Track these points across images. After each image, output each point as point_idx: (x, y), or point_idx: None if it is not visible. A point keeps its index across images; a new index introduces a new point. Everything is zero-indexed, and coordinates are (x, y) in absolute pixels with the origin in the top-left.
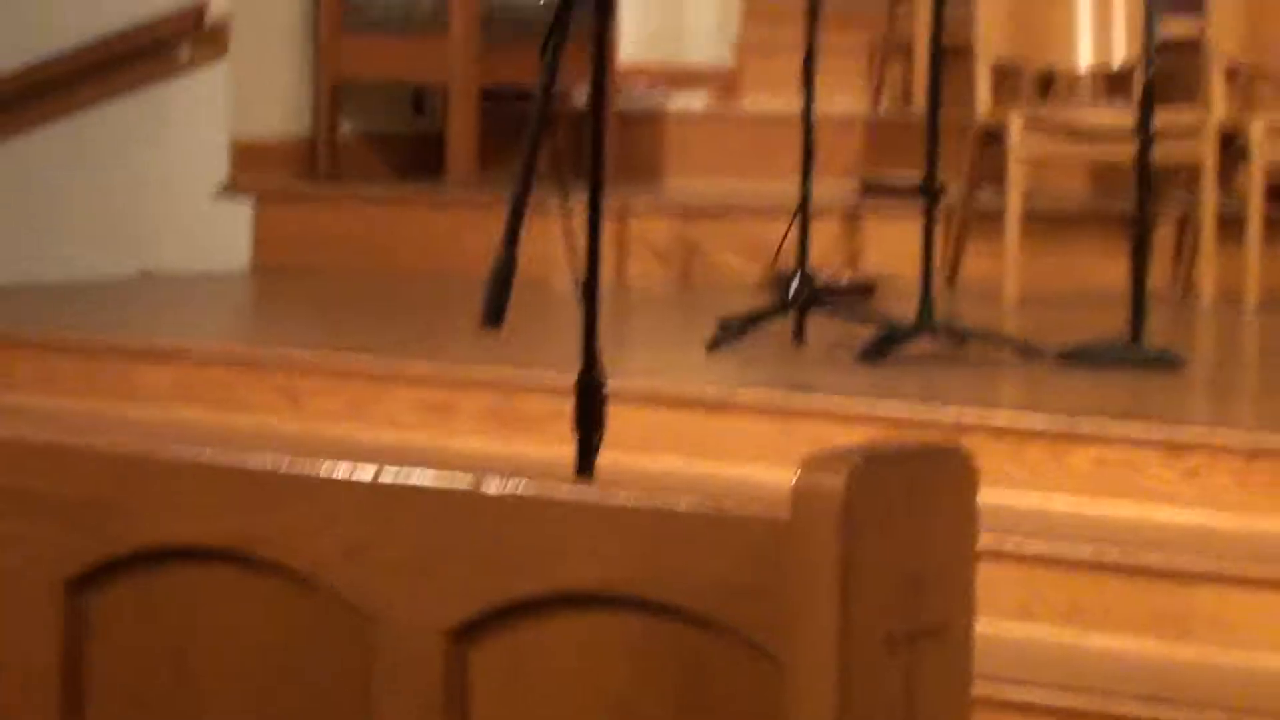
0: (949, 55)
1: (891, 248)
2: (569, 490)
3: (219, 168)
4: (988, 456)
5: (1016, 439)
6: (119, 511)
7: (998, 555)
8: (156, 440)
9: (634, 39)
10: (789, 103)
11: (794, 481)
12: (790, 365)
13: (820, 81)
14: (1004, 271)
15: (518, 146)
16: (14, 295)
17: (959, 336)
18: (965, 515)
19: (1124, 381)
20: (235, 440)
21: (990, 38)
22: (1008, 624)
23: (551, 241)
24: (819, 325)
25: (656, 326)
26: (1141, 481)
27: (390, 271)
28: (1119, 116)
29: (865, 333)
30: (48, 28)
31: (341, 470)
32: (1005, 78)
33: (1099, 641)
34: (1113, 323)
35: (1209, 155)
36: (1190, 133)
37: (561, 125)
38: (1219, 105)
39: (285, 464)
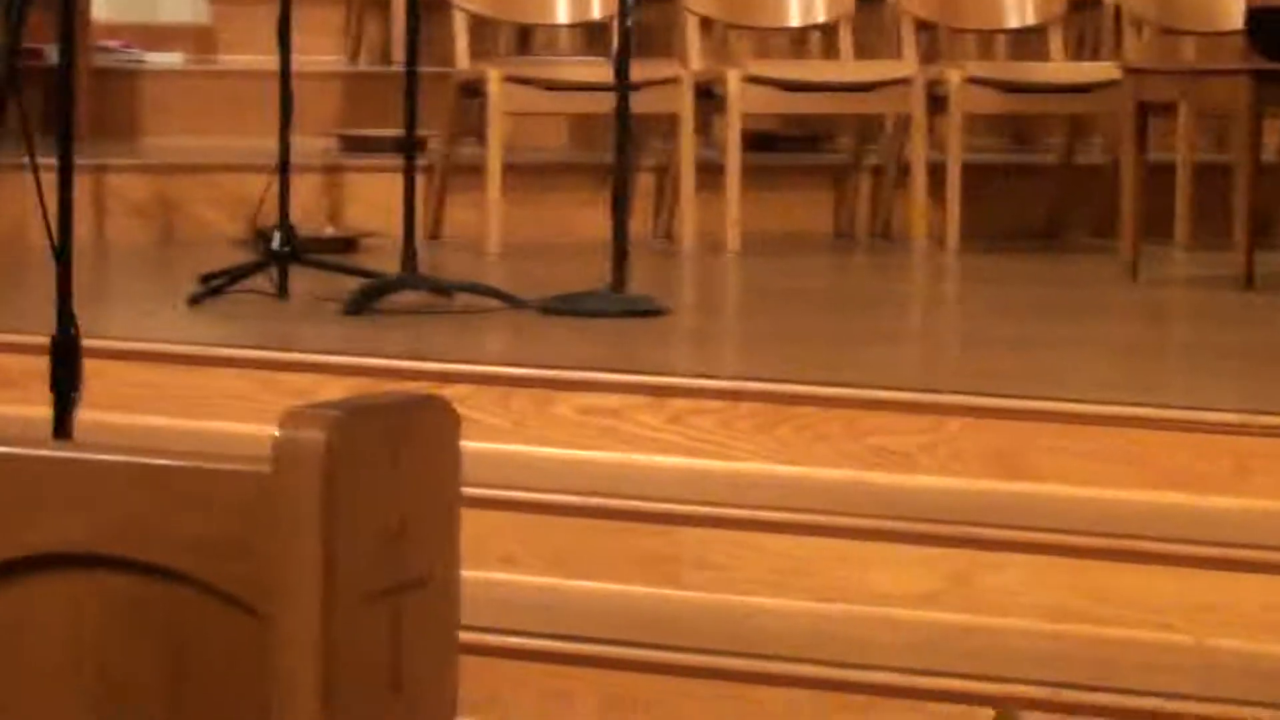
0: (427, 9)
1: (374, 202)
2: (44, 448)
3: None
4: (473, 406)
5: (502, 388)
6: None
7: (484, 504)
8: None
9: None
10: (266, 59)
11: (275, 435)
12: (274, 320)
13: (297, 38)
14: (486, 223)
15: None
16: None
17: (443, 288)
18: (448, 465)
19: (608, 330)
20: None
21: None
22: (495, 572)
23: (26, 200)
24: (302, 280)
25: (137, 284)
26: (626, 428)
27: None
28: (597, 69)
29: (349, 286)
30: None
31: None
32: (484, 31)
33: (587, 586)
34: (596, 272)
35: (686, 106)
36: (668, 84)
37: (34, 84)
38: (695, 58)
39: None
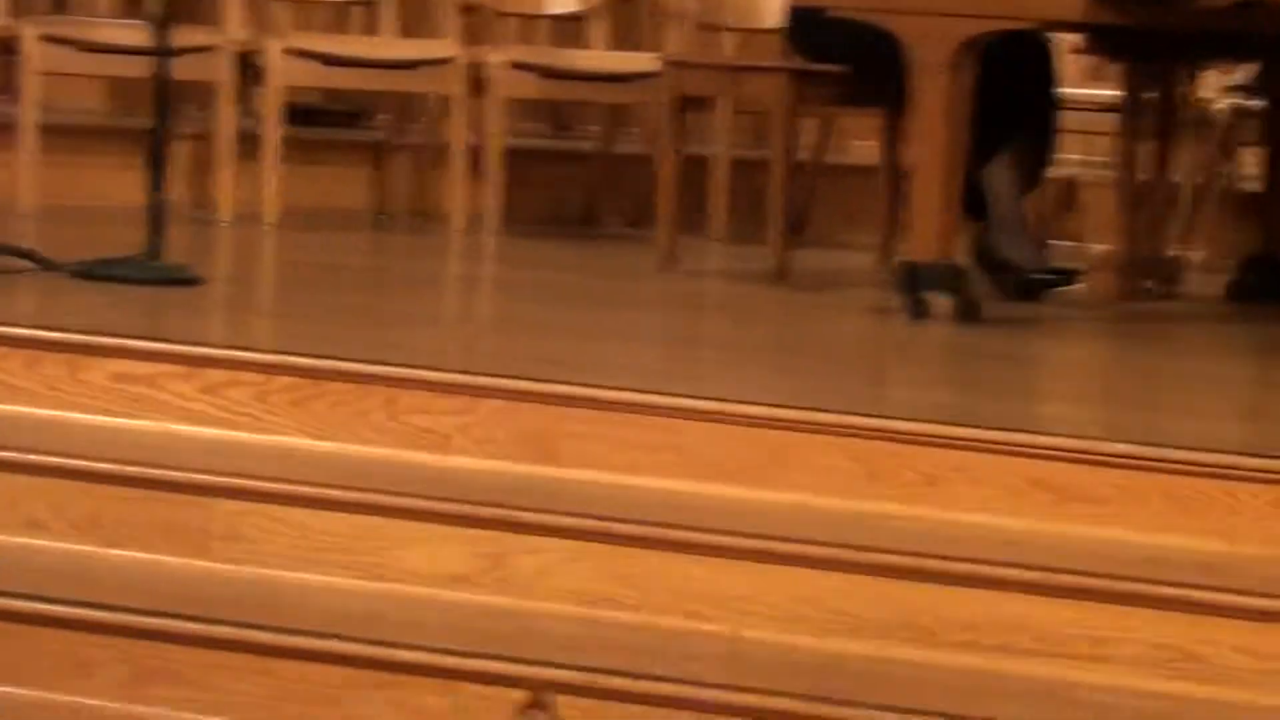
0: None
1: None
2: None
3: None
4: (2, 370)
5: (32, 354)
6: None
7: (12, 467)
8: None
9: None
10: None
11: None
12: None
13: None
14: (19, 184)
15: None
16: None
17: None
18: None
19: (143, 298)
20: None
21: None
22: (21, 537)
23: None
24: None
25: None
26: (160, 397)
27: None
28: (136, 32)
29: None
30: None
31: None
32: None
33: (116, 555)
34: (132, 239)
35: (226, 76)
36: (207, 52)
37: None
38: (236, 27)
39: None
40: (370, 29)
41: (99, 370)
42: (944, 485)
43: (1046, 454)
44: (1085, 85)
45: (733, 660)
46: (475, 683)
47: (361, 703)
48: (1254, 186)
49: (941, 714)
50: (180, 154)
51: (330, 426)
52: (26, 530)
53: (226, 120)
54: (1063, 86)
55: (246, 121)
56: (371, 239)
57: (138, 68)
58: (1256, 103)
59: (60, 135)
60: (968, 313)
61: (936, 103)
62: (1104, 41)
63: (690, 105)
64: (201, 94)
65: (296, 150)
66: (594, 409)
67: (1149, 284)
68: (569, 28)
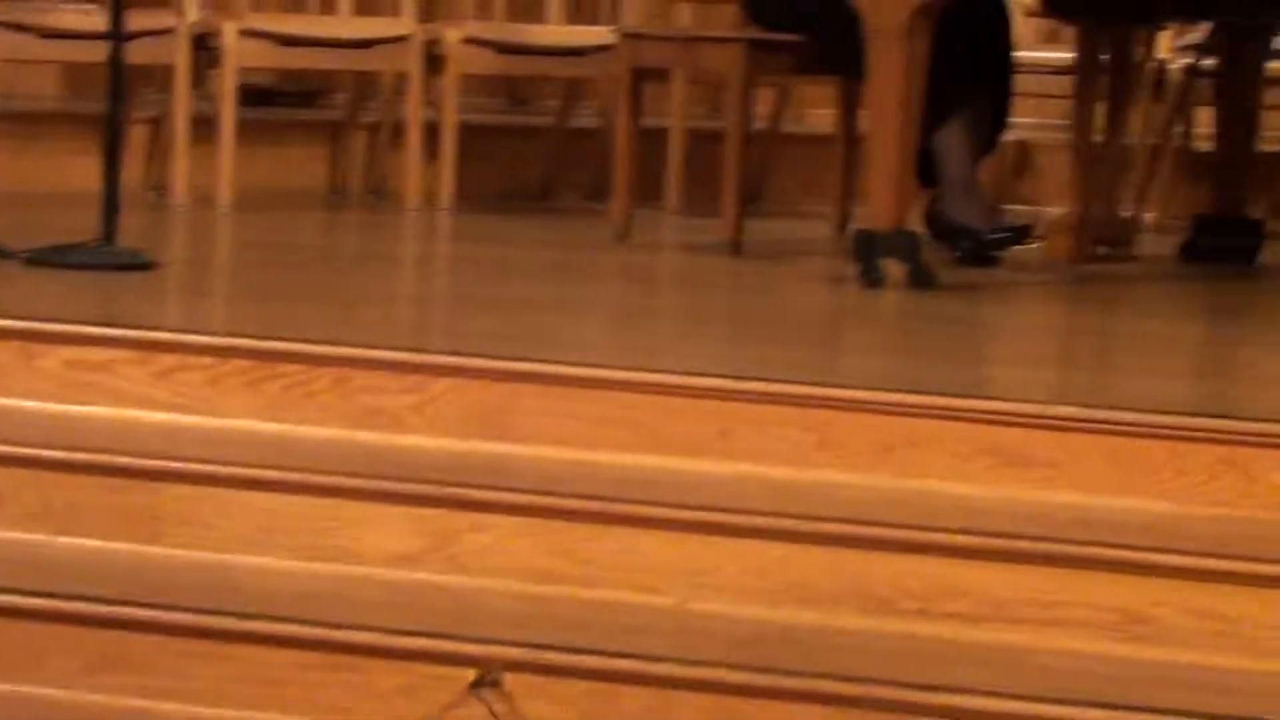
0: None
1: None
2: None
3: None
4: None
5: None
6: None
7: None
8: None
9: None
10: None
11: None
12: None
13: None
14: None
15: None
16: None
17: None
18: None
19: (97, 283)
20: None
21: None
22: None
23: None
24: None
25: None
26: (113, 383)
27: None
28: (91, 17)
29: None
30: None
31: None
32: None
33: (70, 542)
34: (87, 224)
35: (182, 58)
36: (163, 35)
37: None
38: (192, 9)
39: None
40: (326, 8)
41: (52, 357)
42: (896, 453)
43: (995, 419)
44: (1040, 48)
45: (682, 633)
46: (426, 662)
47: (316, 685)
48: (1208, 147)
49: (893, 682)
50: (136, 137)
51: (283, 408)
52: None
53: (182, 103)
54: (1018, 49)
55: (202, 104)
56: (327, 219)
57: (94, 52)
58: (1210, 63)
59: (15, 121)
60: (922, 279)
61: (892, 69)
62: (1058, 3)
63: (646, 77)
64: (157, 77)
65: (252, 132)
66: (546, 384)
67: (1103, 246)
68: (525, 2)
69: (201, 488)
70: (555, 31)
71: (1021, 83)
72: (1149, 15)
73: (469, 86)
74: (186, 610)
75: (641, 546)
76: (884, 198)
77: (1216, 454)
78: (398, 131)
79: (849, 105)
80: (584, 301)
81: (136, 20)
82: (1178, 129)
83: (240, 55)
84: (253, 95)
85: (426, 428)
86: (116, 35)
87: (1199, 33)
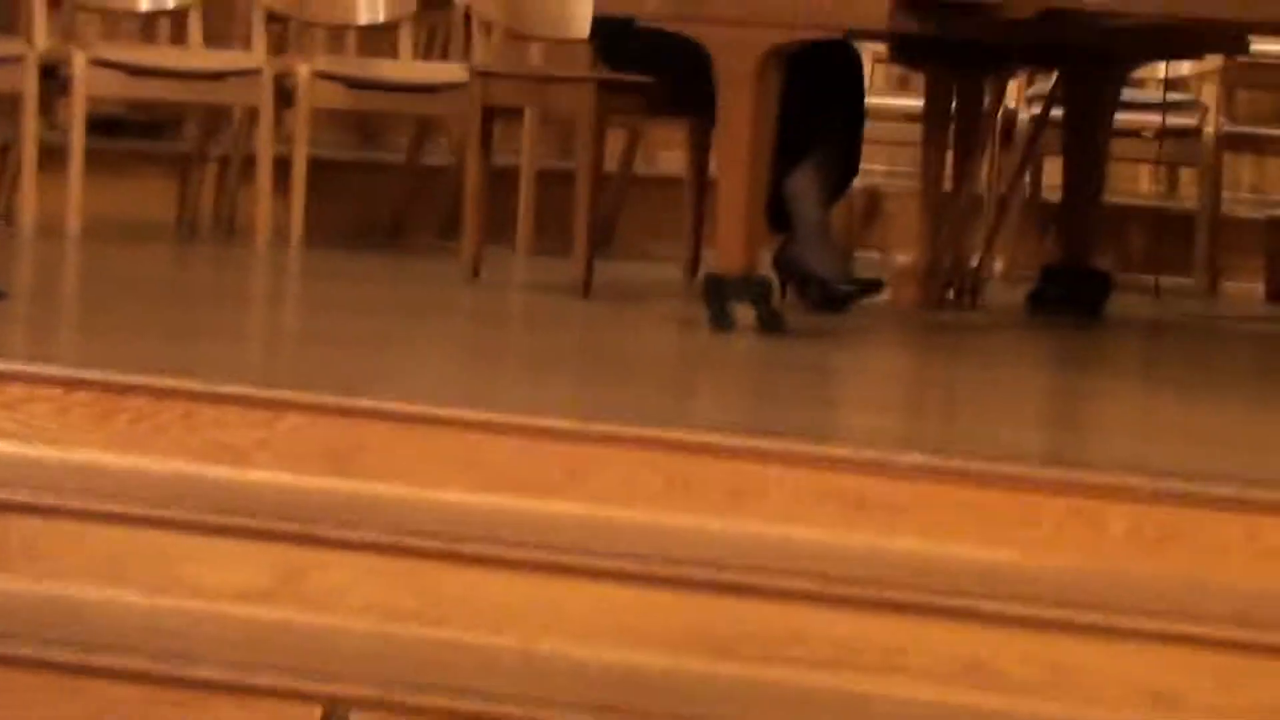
0: None
1: None
2: None
3: None
4: None
5: None
6: None
7: None
8: None
9: None
10: None
11: None
12: None
13: None
14: None
15: None
16: None
17: None
18: None
19: None
20: None
21: None
22: None
23: None
24: None
25: None
26: None
27: None
28: None
29: None
30: None
31: None
32: None
33: None
34: None
35: (30, 86)
36: (11, 62)
37: None
38: (41, 37)
39: None
40: (177, 39)
41: None
42: (743, 497)
43: (843, 465)
44: (890, 95)
45: (528, 674)
46: (273, 699)
47: None
48: (1056, 197)
49: None
50: None
51: (130, 442)
52: None
53: (30, 132)
54: (868, 96)
55: (51, 134)
56: (176, 252)
57: None
58: (1058, 113)
59: None
60: (772, 324)
61: (742, 113)
62: (909, 51)
63: (497, 116)
64: (5, 105)
65: (101, 162)
66: (395, 423)
67: (951, 294)
68: (377, 38)
69: (48, 520)
70: (407, 68)
71: (871, 130)
72: (998, 64)
73: (320, 121)
74: (32, 643)
75: (489, 586)
76: (734, 242)
77: (1063, 504)
78: (248, 165)
79: (700, 148)
80: (434, 340)
81: None
82: (1026, 178)
83: (90, 85)
84: (102, 125)
85: (274, 463)
86: None
87: (1048, 82)
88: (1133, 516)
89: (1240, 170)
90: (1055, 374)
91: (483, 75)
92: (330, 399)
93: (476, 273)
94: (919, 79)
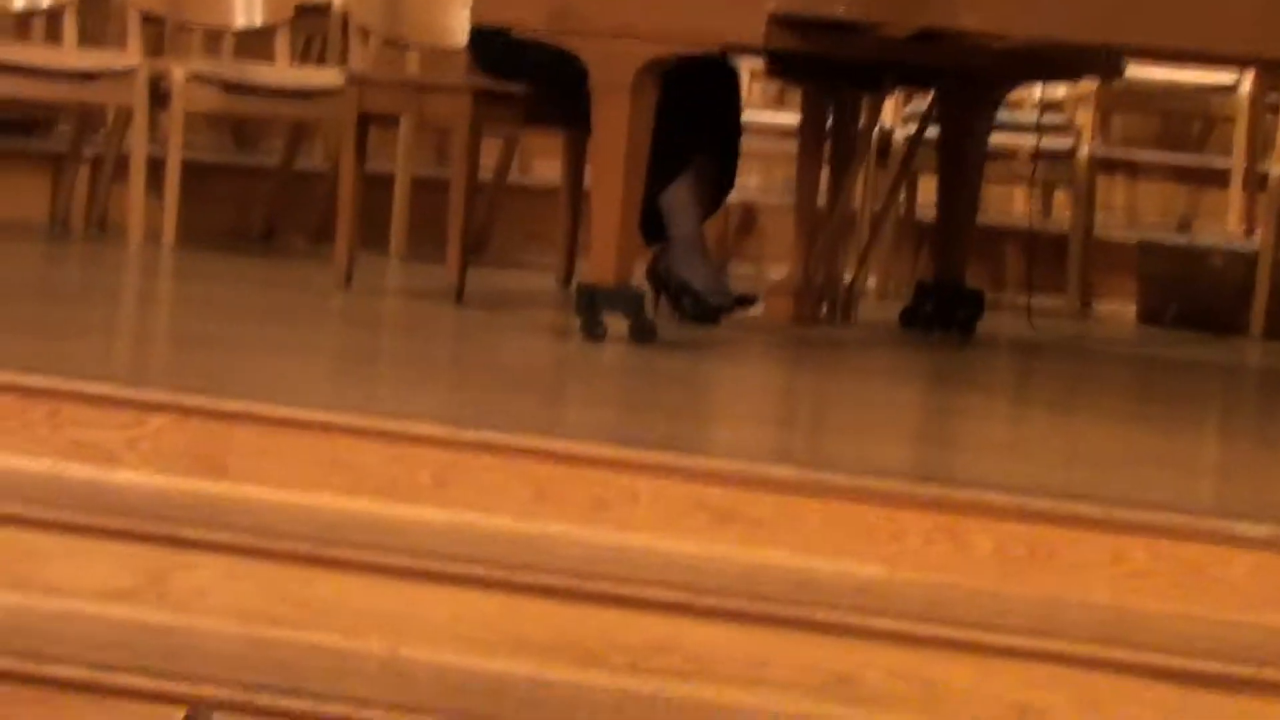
0: None
1: None
2: None
3: None
4: None
5: None
6: None
7: None
8: None
9: None
10: None
11: None
12: None
13: None
14: None
15: None
16: None
17: None
18: None
19: None
20: None
21: None
22: None
23: None
24: None
25: None
26: None
27: None
28: None
29: None
30: None
31: None
32: None
33: None
34: None
35: None
36: None
37: None
38: None
39: None
40: (52, 38)
41: None
42: (611, 508)
43: (710, 476)
44: (767, 111)
45: (392, 679)
46: (134, 700)
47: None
48: (931, 215)
49: None
50: None
51: None
52: None
53: None
54: (745, 111)
55: None
56: (47, 251)
57: None
58: (934, 132)
59: None
60: (644, 335)
61: (617, 125)
62: (785, 67)
63: (373, 122)
64: None
65: None
66: (263, 425)
67: (825, 310)
68: (254, 41)
69: None
70: (283, 72)
71: (748, 145)
72: (874, 82)
73: (195, 124)
74: None
75: (354, 591)
76: (608, 252)
77: (931, 520)
78: (121, 165)
79: (574, 158)
80: (305, 344)
81: None
82: (901, 197)
83: None
84: None
85: (141, 464)
86: None
87: (924, 101)
88: (999, 534)
89: (1114, 193)
90: (926, 391)
91: (359, 82)
92: (199, 400)
93: (349, 278)
94: (796, 95)
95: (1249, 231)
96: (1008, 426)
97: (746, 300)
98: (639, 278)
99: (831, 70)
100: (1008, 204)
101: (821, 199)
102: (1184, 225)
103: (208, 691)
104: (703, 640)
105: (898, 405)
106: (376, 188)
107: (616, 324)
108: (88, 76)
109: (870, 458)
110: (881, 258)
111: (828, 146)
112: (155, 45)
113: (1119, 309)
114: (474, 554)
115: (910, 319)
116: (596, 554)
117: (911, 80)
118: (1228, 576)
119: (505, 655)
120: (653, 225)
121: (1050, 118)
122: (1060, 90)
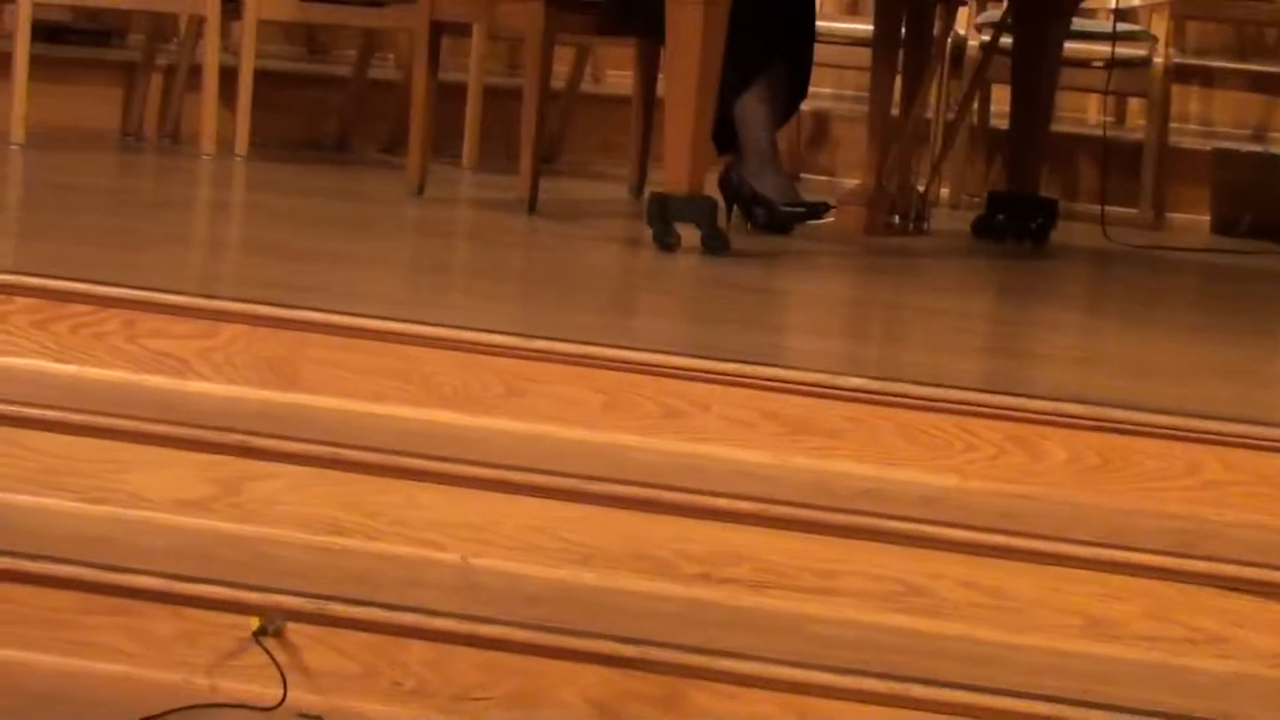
0: None
1: None
2: None
3: None
4: None
5: None
6: None
7: None
8: None
9: None
10: None
11: None
12: None
13: None
14: None
15: None
16: None
17: None
18: None
19: None
20: None
21: None
22: None
23: None
24: None
25: None
26: None
27: None
28: None
29: None
30: None
31: None
32: None
33: None
34: None
35: None
36: None
37: None
38: None
39: None
40: None
41: None
42: (682, 417)
43: (781, 387)
44: (840, 19)
45: (464, 589)
46: (205, 608)
47: (95, 628)
48: (1004, 125)
49: (672, 644)
50: None
51: (70, 349)
52: None
53: None
54: (819, 19)
55: None
56: (120, 161)
57: None
58: (1008, 40)
59: None
60: (716, 245)
61: (691, 32)
62: None
63: (445, 31)
64: None
65: (46, 69)
66: (335, 335)
67: (897, 219)
68: None
69: None
70: None
71: (821, 53)
72: None
73: (267, 33)
74: None
75: (425, 501)
76: (680, 162)
77: (1004, 430)
78: (194, 75)
79: (648, 67)
80: (377, 255)
81: None
82: (974, 106)
83: None
84: (47, 32)
85: (214, 374)
86: None
87: (998, 10)
88: (1072, 444)
89: (1188, 102)
90: (999, 302)
91: None
92: (271, 310)
93: (422, 188)
94: (869, 3)
95: None
96: (1081, 337)
97: (819, 210)
98: (711, 187)
99: None
100: (1082, 113)
101: (895, 108)
102: (1259, 134)
103: (281, 601)
104: (774, 550)
105: (970, 316)
106: (449, 97)
107: (689, 234)
108: None
109: (942, 368)
110: (954, 167)
111: (901, 55)
112: None
113: (1193, 218)
114: (546, 464)
115: (983, 229)
116: (668, 464)
117: None
118: None
119: (576, 565)
120: (725, 135)
121: (1125, 26)
122: None
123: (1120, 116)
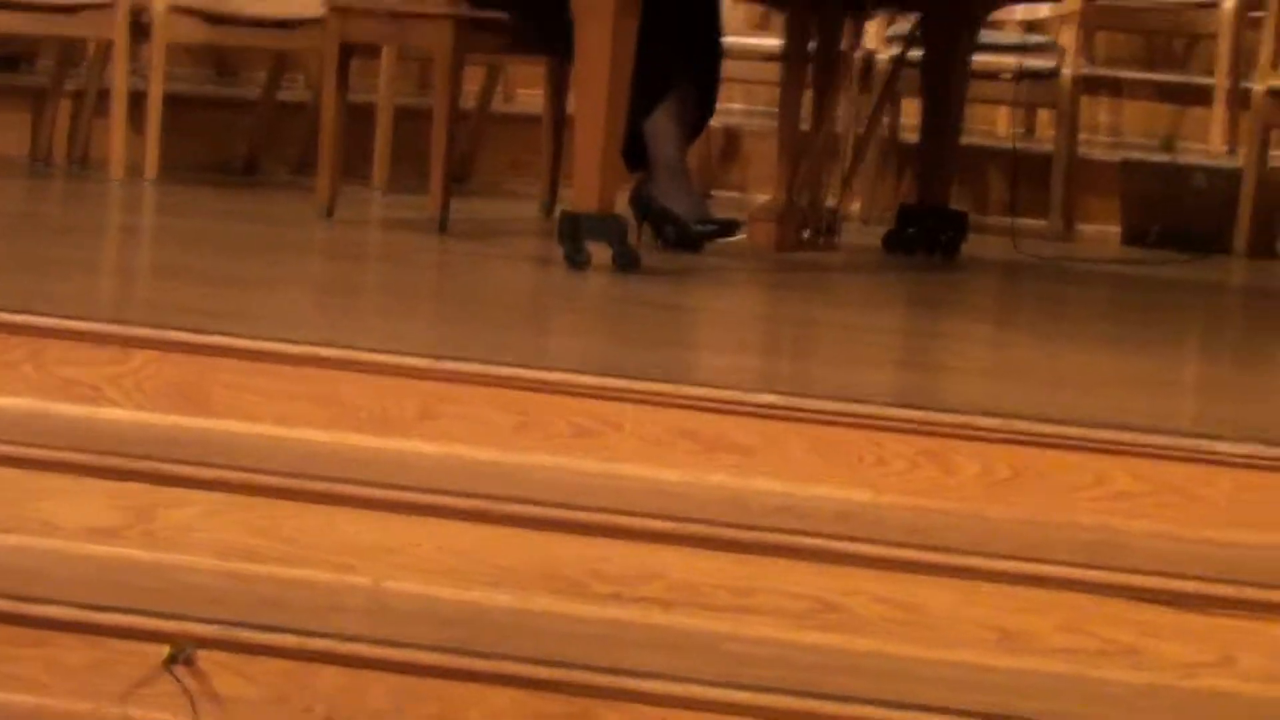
0: None
1: None
2: None
3: None
4: None
5: None
6: None
7: None
8: None
9: None
10: None
11: None
12: None
13: None
14: None
15: None
16: None
17: None
18: None
19: None
20: None
21: None
22: None
23: None
24: None
25: None
26: None
27: None
28: None
29: None
30: None
31: None
32: None
33: None
34: None
35: None
36: None
37: None
38: None
39: None
40: None
41: None
42: (594, 436)
43: (694, 404)
44: (749, 34)
45: (377, 613)
46: (118, 637)
47: (6, 659)
48: (914, 138)
49: (586, 666)
50: None
51: None
52: None
53: None
54: (727, 35)
55: None
56: (29, 186)
57: None
58: (917, 54)
59: None
60: (627, 263)
61: (600, 50)
62: None
63: (355, 52)
64: None
65: None
66: (246, 359)
67: (808, 234)
68: None
69: None
70: (264, 2)
71: (730, 68)
72: (857, 4)
73: (176, 56)
74: None
75: (338, 525)
76: (590, 180)
77: (916, 444)
78: (103, 99)
79: (558, 86)
80: (288, 277)
81: None
82: (884, 119)
83: None
84: None
85: (125, 400)
86: None
87: (907, 23)
88: (983, 457)
89: (1097, 112)
90: (910, 315)
91: (340, 11)
92: (182, 335)
93: (332, 210)
94: (778, 18)
95: (1232, 149)
96: (991, 350)
97: (729, 226)
98: (622, 205)
99: None
100: (991, 125)
101: (804, 123)
102: (1167, 144)
103: (192, 629)
104: (688, 569)
105: (881, 330)
106: (359, 118)
107: (600, 252)
108: (68, 10)
109: (854, 383)
110: (865, 181)
111: (810, 70)
112: None
113: (1103, 229)
114: (459, 485)
115: (894, 242)
116: (582, 483)
117: (894, 2)
118: (1209, 496)
119: (489, 586)
120: (635, 152)
121: (1033, 37)
122: (1043, 10)
123: (1030, 128)
